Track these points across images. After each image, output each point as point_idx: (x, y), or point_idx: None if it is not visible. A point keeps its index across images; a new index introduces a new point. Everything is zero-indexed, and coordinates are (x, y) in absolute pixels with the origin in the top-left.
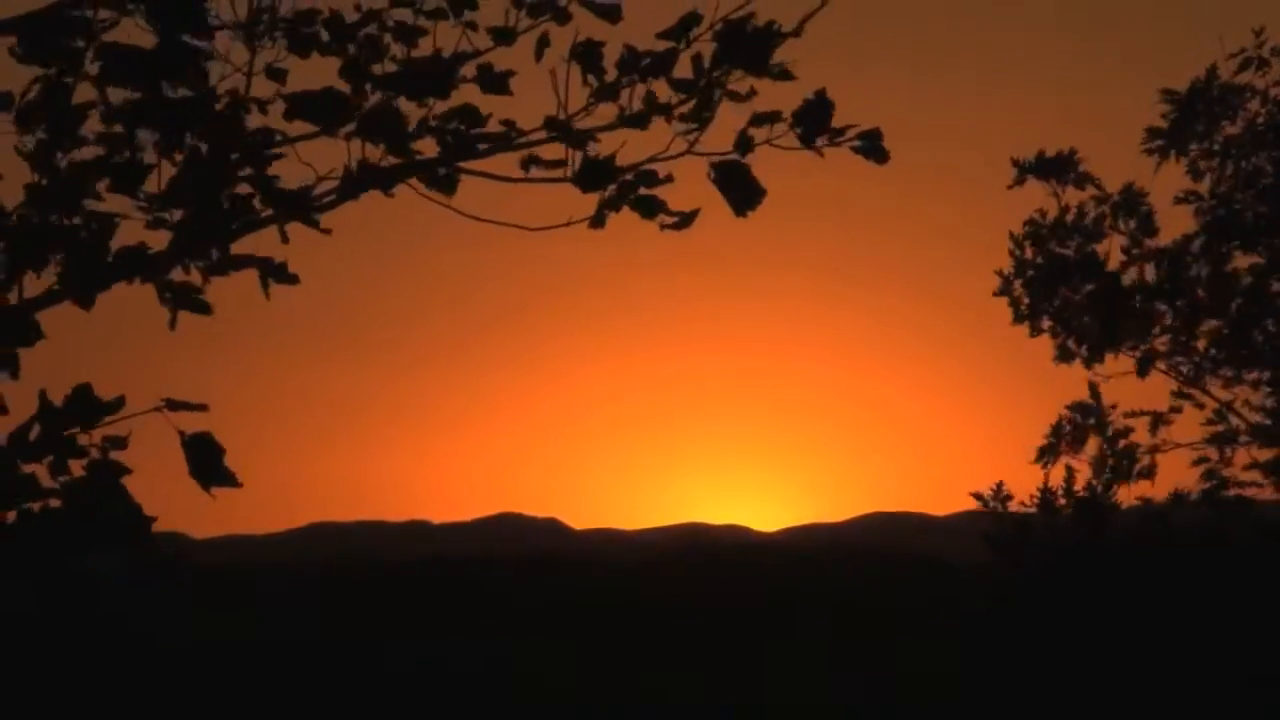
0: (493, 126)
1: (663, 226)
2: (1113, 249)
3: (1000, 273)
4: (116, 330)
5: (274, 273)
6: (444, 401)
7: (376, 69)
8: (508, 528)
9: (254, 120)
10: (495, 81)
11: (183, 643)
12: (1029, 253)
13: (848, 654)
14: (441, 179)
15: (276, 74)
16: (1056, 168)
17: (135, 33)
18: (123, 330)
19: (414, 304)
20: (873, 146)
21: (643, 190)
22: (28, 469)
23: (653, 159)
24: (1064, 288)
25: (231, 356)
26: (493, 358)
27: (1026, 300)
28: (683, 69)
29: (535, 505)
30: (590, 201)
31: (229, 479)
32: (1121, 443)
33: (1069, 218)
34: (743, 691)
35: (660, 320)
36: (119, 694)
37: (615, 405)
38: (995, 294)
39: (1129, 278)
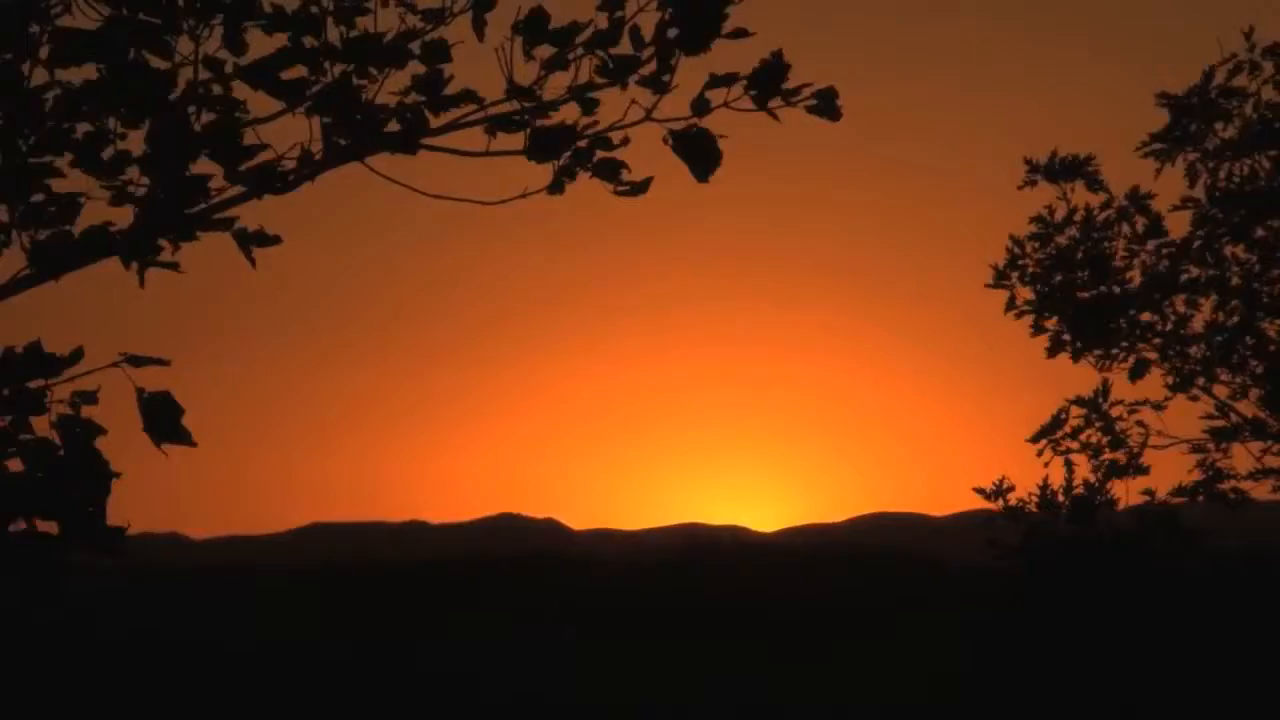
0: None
1: (616, 192)
2: (1118, 254)
3: (995, 266)
4: (115, 331)
5: (252, 239)
6: (443, 403)
7: (315, 41)
8: (507, 528)
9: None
10: (438, 51)
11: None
12: (1029, 249)
13: (845, 654)
14: (404, 143)
15: (212, 64)
16: (1069, 171)
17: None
18: (121, 331)
19: (412, 306)
20: (827, 105)
21: (600, 154)
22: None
23: (612, 127)
24: (1067, 285)
25: (230, 358)
26: (492, 359)
27: (1028, 295)
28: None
29: (534, 506)
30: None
31: (183, 436)
32: (1119, 428)
33: (1077, 217)
34: (742, 691)
35: (658, 323)
36: (116, 693)
37: (614, 407)
38: (988, 285)
39: (1133, 276)
